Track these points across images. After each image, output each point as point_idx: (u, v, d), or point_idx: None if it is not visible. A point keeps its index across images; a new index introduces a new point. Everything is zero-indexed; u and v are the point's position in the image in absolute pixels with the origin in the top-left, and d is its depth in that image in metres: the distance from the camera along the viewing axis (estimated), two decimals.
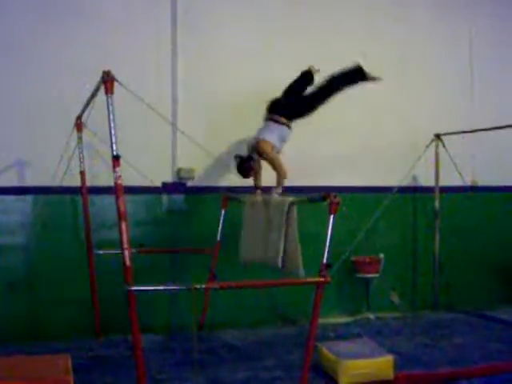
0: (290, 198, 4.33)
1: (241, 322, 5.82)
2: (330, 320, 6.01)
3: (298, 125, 5.35)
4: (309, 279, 4.08)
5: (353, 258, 6.20)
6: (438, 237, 6.69)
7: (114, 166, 3.60)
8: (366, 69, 5.42)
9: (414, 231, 6.77)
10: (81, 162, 5.28)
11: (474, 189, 6.88)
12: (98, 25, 5.56)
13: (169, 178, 5.84)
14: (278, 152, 5.19)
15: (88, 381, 4.20)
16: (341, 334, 5.57)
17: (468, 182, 6.83)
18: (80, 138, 5.25)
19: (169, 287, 4.21)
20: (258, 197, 4.92)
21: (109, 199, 5.17)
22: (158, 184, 5.75)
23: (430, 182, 6.67)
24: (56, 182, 5.30)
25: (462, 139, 6.60)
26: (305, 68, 5.57)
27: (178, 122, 5.64)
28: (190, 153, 5.51)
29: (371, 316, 6.28)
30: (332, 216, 3.88)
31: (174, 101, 5.80)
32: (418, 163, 6.41)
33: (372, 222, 6.22)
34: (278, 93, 5.39)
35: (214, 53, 5.93)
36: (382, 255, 6.26)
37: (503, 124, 5.98)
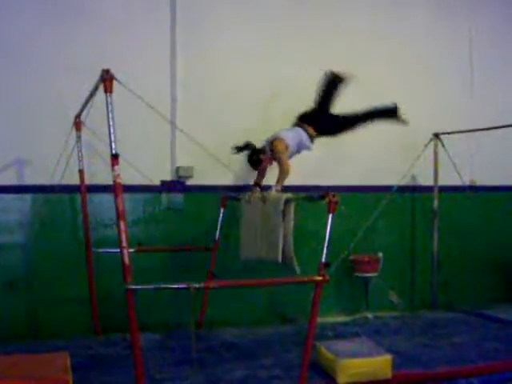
0: (287, 195, 4.33)
1: (240, 321, 5.83)
2: (328, 319, 6.02)
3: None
4: (307, 278, 4.09)
5: (351, 257, 6.20)
6: (436, 236, 6.69)
7: (113, 165, 3.61)
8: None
9: (412, 230, 6.78)
10: (80, 161, 5.28)
11: (473, 188, 6.89)
12: (97, 24, 5.56)
13: (168, 176, 5.84)
14: (290, 154, 5.18)
15: (87, 379, 4.20)
16: (339, 333, 5.58)
17: (467, 181, 6.84)
18: (79, 137, 5.26)
19: (167, 286, 4.21)
20: (256, 194, 4.91)
21: (108, 198, 5.19)
22: (157, 182, 5.75)
23: (429, 182, 6.68)
24: (55, 181, 5.30)
25: (460, 139, 6.61)
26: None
27: (176, 120, 5.64)
28: (189, 151, 5.51)
29: (370, 315, 6.28)
30: (331, 215, 3.89)
31: (173, 100, 5.80)
32: (416, 162, 6.42)
33: (371, 221, 6.23)
34: (276, 93, 5.39)
35: (213, 52, 5.93)
36: (380, 254, 6.26)
37: (502, 123, 5.98)
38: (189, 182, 5.88)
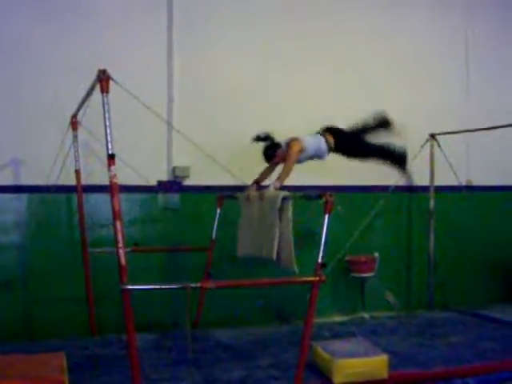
0: (284, 193, 4.32)
1: (236, 321, 5.82)
2: (324, 319, 6.02)
3: (298, 125, 5.35)
4: (304, 278, 4.08)
5: (348, 258, 6.21)
6: (432, 236, 6.71)
7: (110, 165, 3.61)
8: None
9: (408, 230, 6.79)
10: (76, 161, 5.27)
11: (469, 188, 6.91)
12: (94, 23, 5.55)
13: (164, 176, 5.84)
14: (303, 157, 5.15)
15: (83, 379, 4.18)
16: (336, 333, 5.58)
17: (463, 181, 6.86)
18: (75, 137, 5.24)
19: (164, 286, 4.20)
20: (253, 192, 4.89)
21: (104, 198, 5.18)
22: (154, 182, 5.75)
23: (425, 182, 6.69)
24: (51, 181, 5.29)
25: (456, 139, 6.62)
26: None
27: (173, 121, 5.63)
28: (186, 151, 5.50)
29: (366, 315, 6.29)
30: (327, 215, 3.89)
31: (170, 100, 5.80)
32: (413, 163, 6.42)
33: (367, 221, 6.24)
34: (274, 92, 5.37)
35: (209, 53, 5.93)
36: (376, 254, 6.27)
37: (498, 124, 6.00)
38: (185, 182, 5.88)
